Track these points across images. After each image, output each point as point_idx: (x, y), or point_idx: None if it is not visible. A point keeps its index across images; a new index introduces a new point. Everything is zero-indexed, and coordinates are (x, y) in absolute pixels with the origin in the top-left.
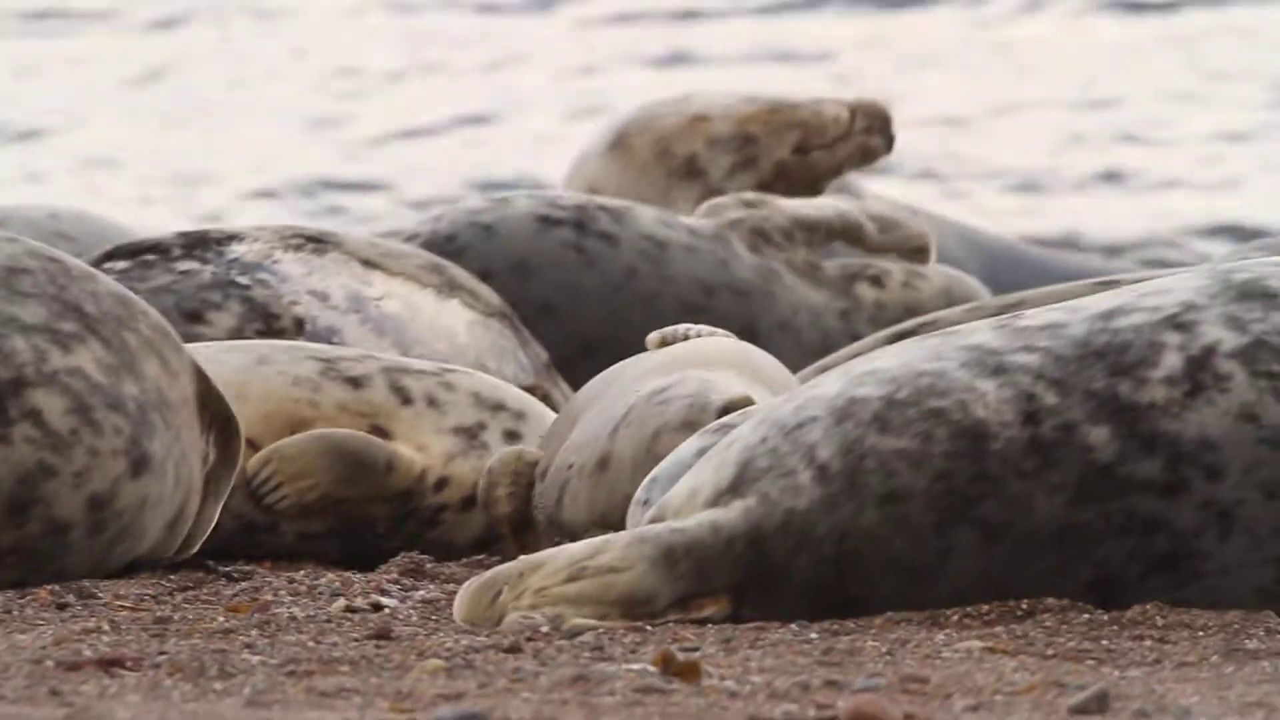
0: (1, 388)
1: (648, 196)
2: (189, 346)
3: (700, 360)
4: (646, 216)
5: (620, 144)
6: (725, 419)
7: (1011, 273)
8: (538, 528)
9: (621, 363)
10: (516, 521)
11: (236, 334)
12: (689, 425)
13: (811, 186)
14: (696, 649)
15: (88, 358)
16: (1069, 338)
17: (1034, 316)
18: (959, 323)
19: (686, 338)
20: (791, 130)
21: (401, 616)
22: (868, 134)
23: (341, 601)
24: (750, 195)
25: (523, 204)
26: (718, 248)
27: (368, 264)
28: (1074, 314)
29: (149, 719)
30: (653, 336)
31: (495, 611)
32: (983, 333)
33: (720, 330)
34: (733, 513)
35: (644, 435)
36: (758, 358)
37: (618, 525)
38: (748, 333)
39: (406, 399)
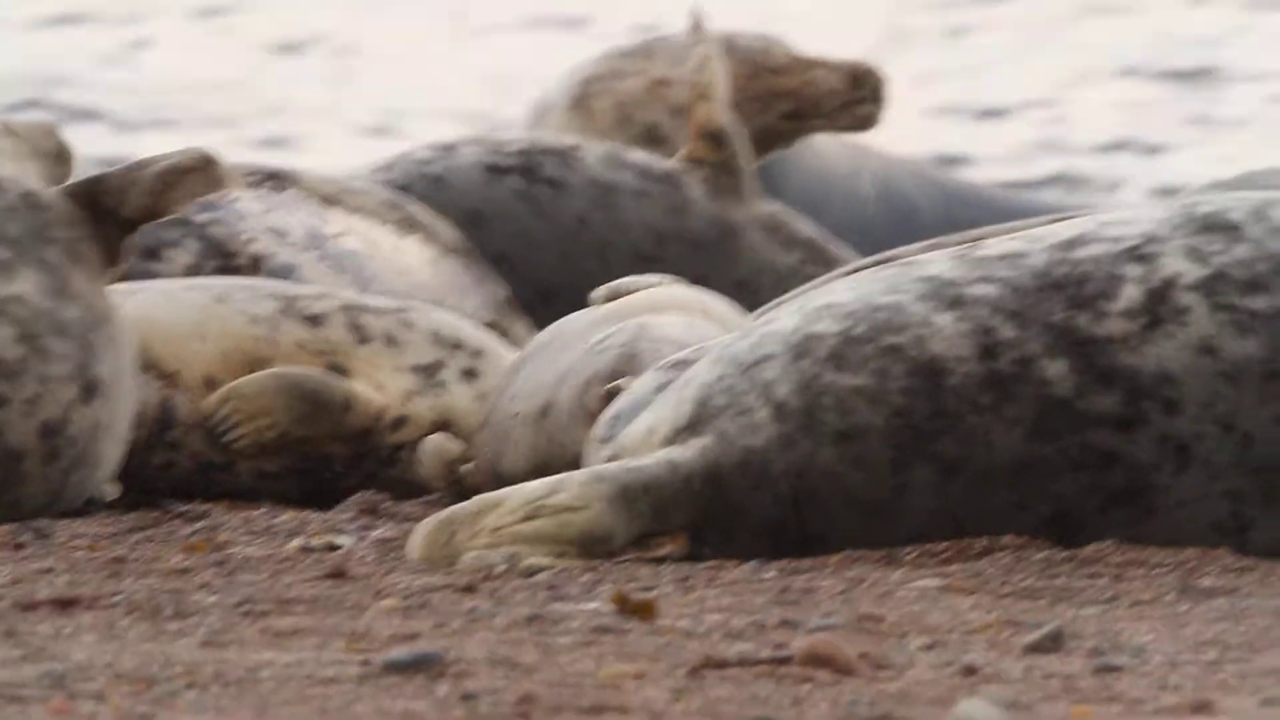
0: None
1: None
2: (146, 284)
3: (648, 307)
4: (593, 157)
5: (581, 105)
6: (679, 356)
7: (968, 211)
8: (480, 485)
9: (571, 315)
10: (457, 493)
11: (194, 271)
12: (615, 376)
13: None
14: (653, 588)
15: (28, 284)
16: (1028, 268)
17: (992, 246)
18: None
19: (633, 290)
20: (780, 99)
21: (358, 556)
22: (862, 104)
23: (298, 541)
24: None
25: (469, 152)
26: (670, 191)
27: (326, 200)
28: (1034, 244)
29: (104, 659)
30: (598, 292)
31: (451, 551)
32: (940, 263)
33: (669, 277)
34: (690, 451)
35: (577, 385)
36: (708, 301)
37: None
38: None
39: (364, 337)
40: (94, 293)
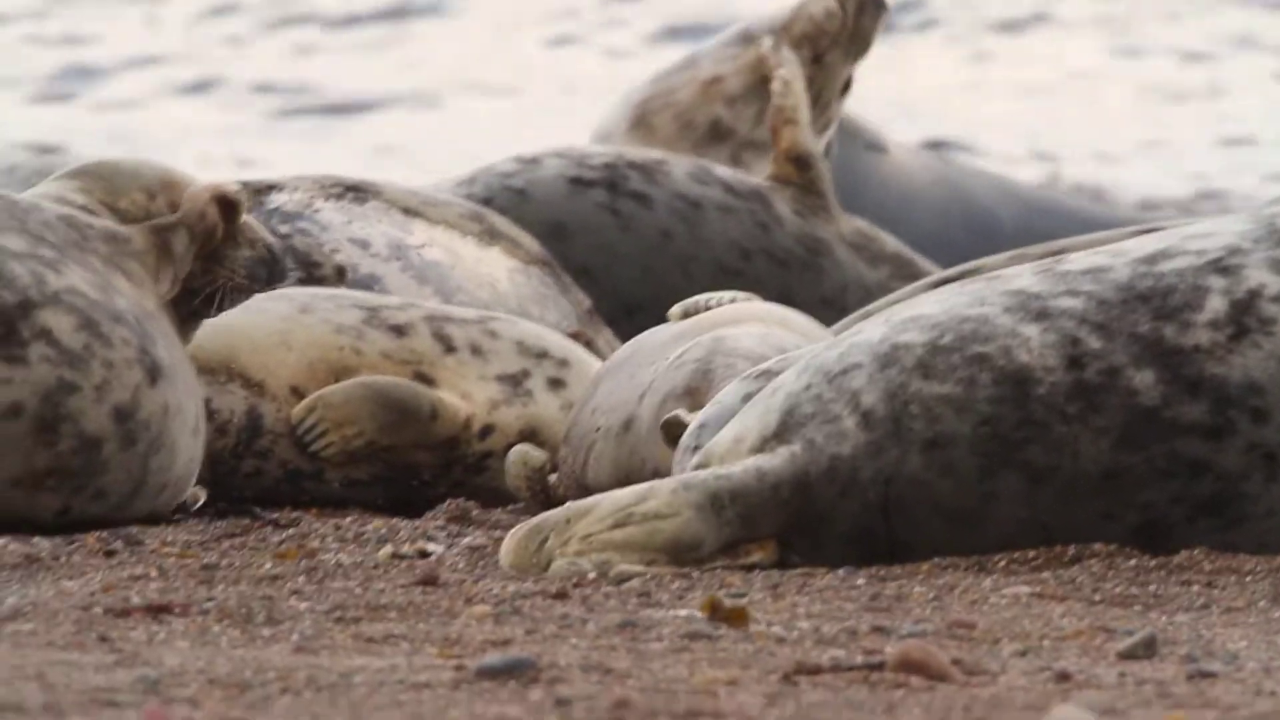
0: (10, 311)
1: None
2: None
3: (728, 322)
4: (680, 171)
5: (641, 124)
6: (765, 366)
7: (1048, 221)
8: (564, 496)
9: (650, 330)
10: (543, 502)
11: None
12: (690, 393)
13: (840, 90)
14: (744, 595)
15: (77, 277)
16: (1112, 282)
17: (1077, 261)
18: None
19: (709, 308)
20: (800, 49)
21: (448, 563)
22: (860, 15)
23: (388, 548)
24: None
25: (552, 165)
26: (757, 207)
27: (408, 212)
28: (1117, 258)
29: (197, 664)
30: (674, 310)
31: (542, 558)
32: (1026, 277)
33: (744, 294)
34: (778, 459)
35: (654, 401)
36: (786, 312)
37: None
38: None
39: (450, 347)
40: (140, 295)
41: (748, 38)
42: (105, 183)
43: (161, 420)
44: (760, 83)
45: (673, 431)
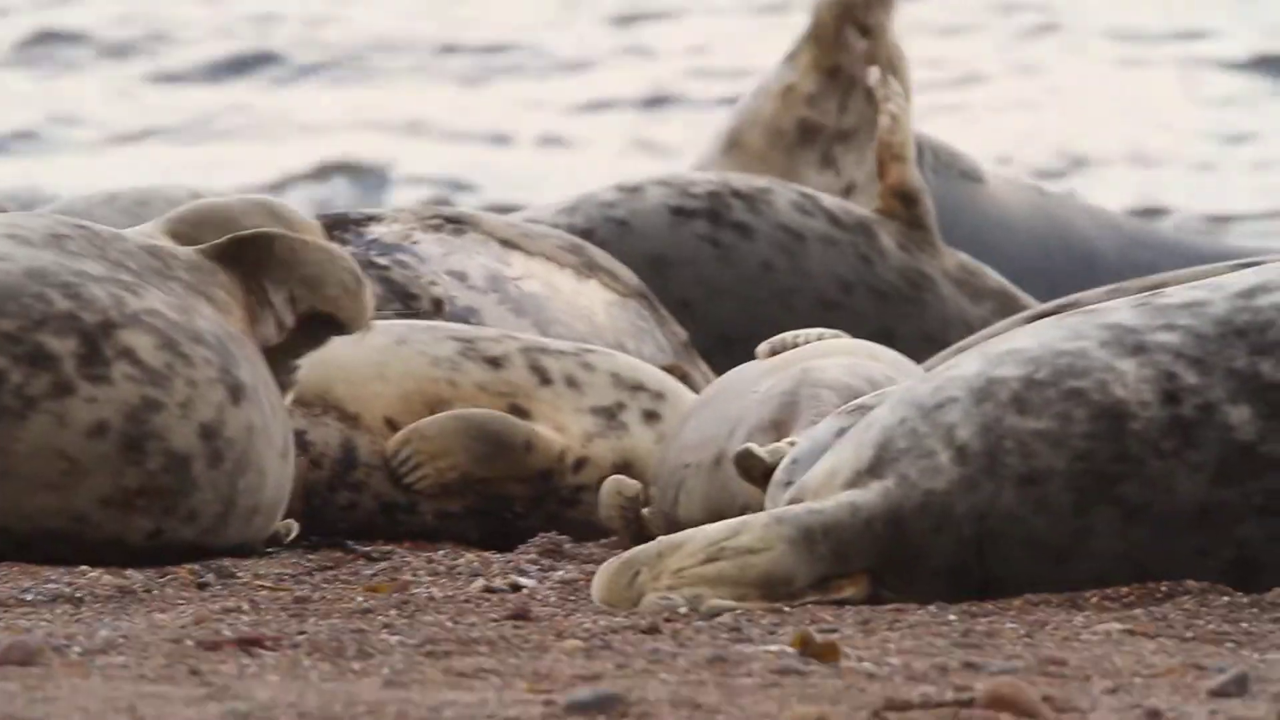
0: (93, 331)
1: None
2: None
3: (814, 356)
4: (784, 201)
5: (734, 145)
6: (859, 401)
7: (1146, 254)
8: (655, 531)
9: (739, 366)
10: (635, 535)
11: (375, 314)
12: (776, 425)
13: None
14: (835, 630)
15: (156, 300)
16: (1210, 316)
17: (1174, 295)
18: (1101, 302)
19: (795, 345)
20: (848, 27)
21: (540, 597)
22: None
23: (480, 582)
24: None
25: (655, 194)
26: (860, 241)
27: (506, 244)
28: (1215, 292)
29: (288, 699)
30: (762, 348)
31: (634, 592)
32: (1122, 311)
33: (831, 331)
34: (871, 493)
35: (742, 434)
36: (874, 348)
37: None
38: (882, 337)
39: (545, 379)
40: (224, 320)
41: (805, 40)
42: (191, 229)
43: (247, 439)
44: (832, 73)
45: (745, 464)
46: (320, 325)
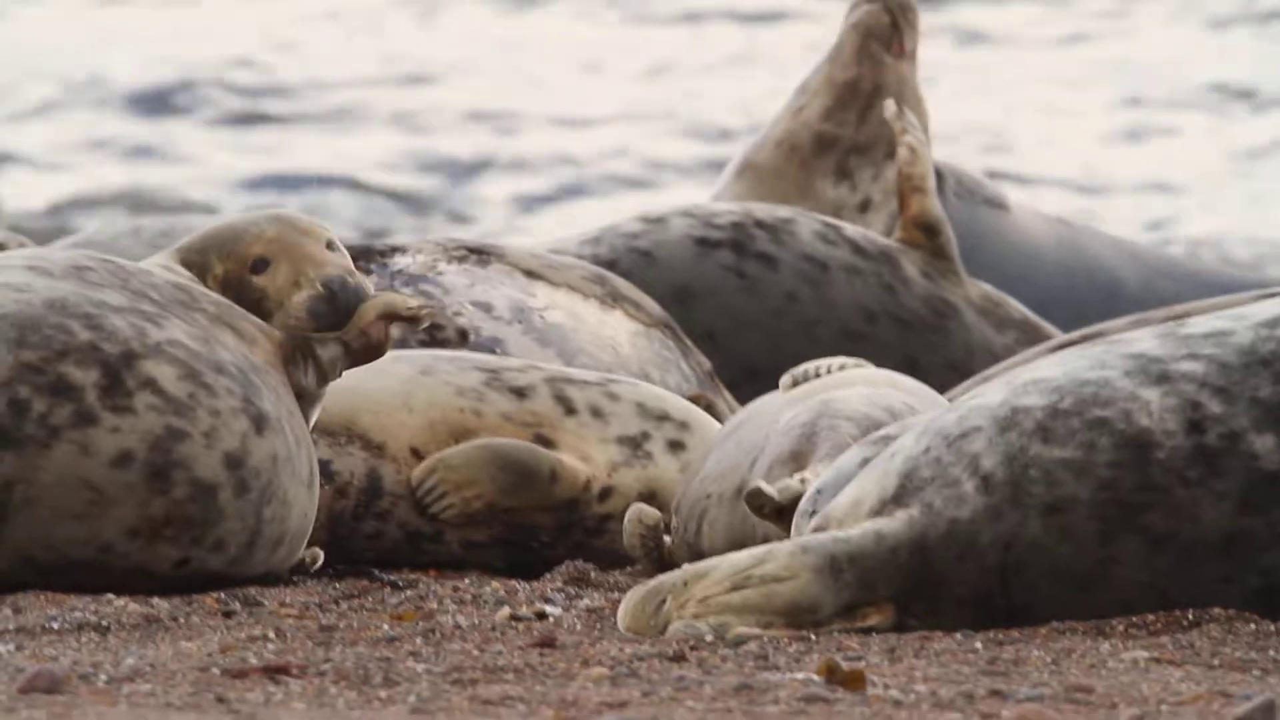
0: (115, 362)
1: (789, 195)
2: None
3: (837, 385)
4: (807, 231)
5: (749, 167)
6: (886, 430)
7: (1170, 284)
8: (678, 561)
9: (762, 397)
10: (657, 563)
11: (401, 344)
12: (795, 457)
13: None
14: (861, 658)
15: (179, 330)
16: (1234, 345)
17: (1198, 324)
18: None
19: (818, 375)
20: (869, 42)
21: (566, 625)
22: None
23: (506, 610)
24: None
25: (679, 225)
26: (884, 270)
27: (531, 275)
28: (1239, 322)
29: None
30: (785, 379)
31: (660, 620)
32: (1146, 341)
33: (853, 360)
34: (897, 522)
35: (763, 466)
36: (895, 377)
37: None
38: (906, 367)
39: (570, 409)
40: (248, 350)
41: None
42: (199, 255)
43: (271, 469)
44: (849, 88)
45: (756, 501)
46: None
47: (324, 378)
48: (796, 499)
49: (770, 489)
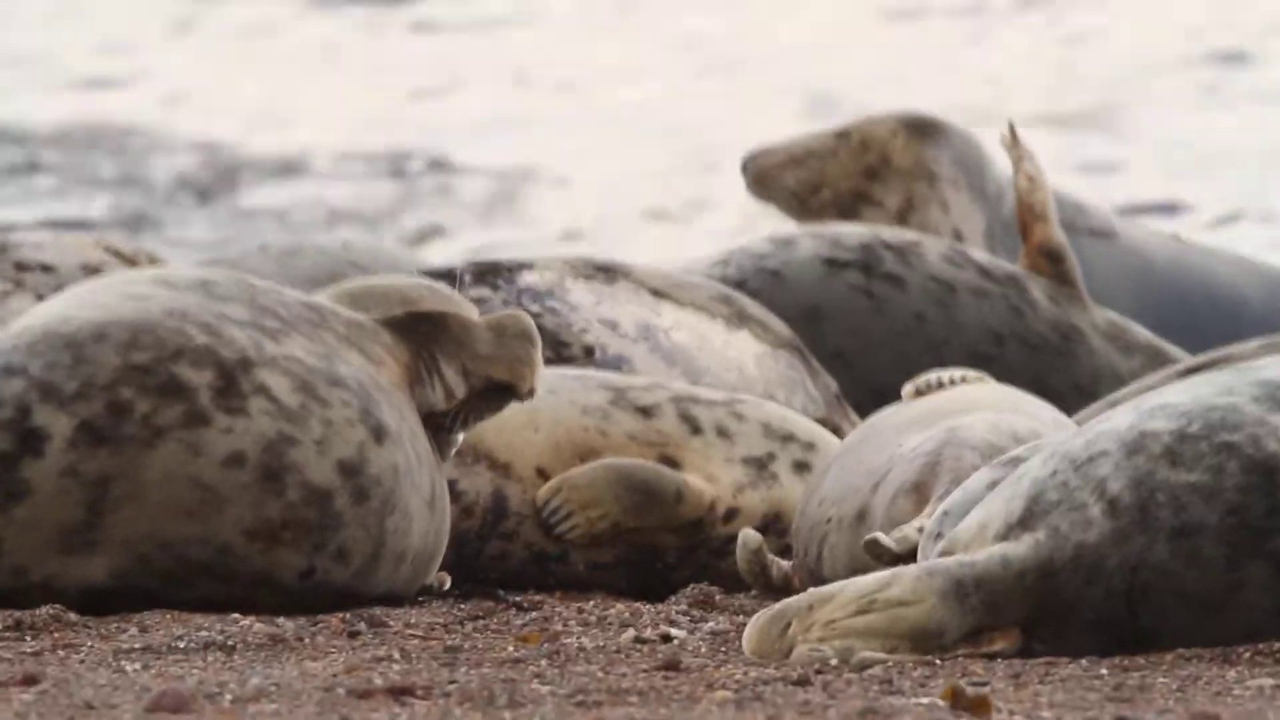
0: (231, 367)
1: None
2: None
3: (958, 408)
4: (934, 254)
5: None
6: (1014, 453)
7: None
8: (797, 586)
9: (880, 412)
10: (765, 586)
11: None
12: (917, 488)
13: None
14: (986, 683)
15: (297, 347)
16: None
17: None
18: (1253, 357)
19: (941, 386)
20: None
21: (690, 648)
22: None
23: (631, 632)
24: None
25: (807, 245)
26: (1011, 293)
27: (657, 294)
28: None
29: None
30: (907, 388)
31: (784, 644)
32: (1275, 367)
33: (974, 373)
34: (1023, 546)
35: (887, 493)
36: (1019, 396)
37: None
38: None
39: (696, 428)
40: (373, 370)
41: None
42: (353, 303)
43: (393, 479)
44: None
45: (874, 552)
46: (496, 393)
47: (450, 394)
48: (913, 550)
49: (888, 540)
